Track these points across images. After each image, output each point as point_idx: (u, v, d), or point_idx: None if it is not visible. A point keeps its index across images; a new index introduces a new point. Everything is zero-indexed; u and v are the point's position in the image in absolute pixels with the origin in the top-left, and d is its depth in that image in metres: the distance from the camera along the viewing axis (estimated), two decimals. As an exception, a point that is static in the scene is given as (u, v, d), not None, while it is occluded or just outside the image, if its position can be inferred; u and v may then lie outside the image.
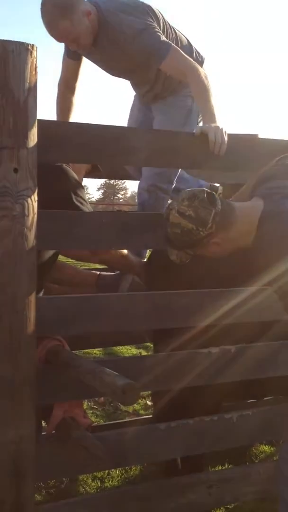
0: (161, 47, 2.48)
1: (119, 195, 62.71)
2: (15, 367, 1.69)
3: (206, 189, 1.98)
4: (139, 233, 2.06)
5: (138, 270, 2.61)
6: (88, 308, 1.96)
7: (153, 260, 2.60)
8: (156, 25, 2.56)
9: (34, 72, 1.68)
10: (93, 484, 2.71)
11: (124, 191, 63.49)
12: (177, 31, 2.78)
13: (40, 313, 1.81)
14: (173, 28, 2.75)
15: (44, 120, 1.80)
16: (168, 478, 2.29)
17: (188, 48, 2.78)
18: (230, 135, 2.18)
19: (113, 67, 2.77)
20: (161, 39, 2.51)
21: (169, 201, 2.04)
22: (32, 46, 1.68)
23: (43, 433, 2.01)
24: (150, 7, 2.63)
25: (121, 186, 60.95)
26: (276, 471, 2.17)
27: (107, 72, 2.83)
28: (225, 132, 2.15)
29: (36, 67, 1.69)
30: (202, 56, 2.85)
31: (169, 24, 2.72)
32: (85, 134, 1.91)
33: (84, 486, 2.68)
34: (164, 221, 1.97)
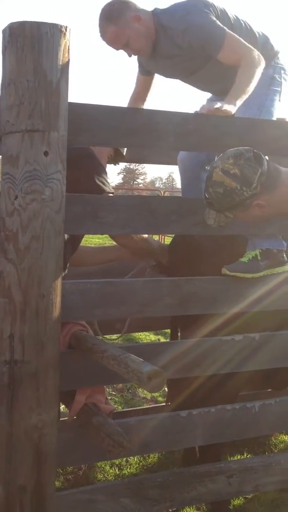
0: (216, 34, 2.46)
1: (139, 180, 62.52)
2: (39, 352, 1.68)
3: (253, 148, 1.93)
4: (166, 218, 2.02)
5: (159, 254, 2.58)
6: (112, 293, 1.95)
7: (177, 243, 2.57)
8: (211, 13, 2.51)
9: (67, 54, 1.66)
10: (111, 471, 2.72)
11: (144, 176, 63.25)
12: (247, 23, 2.69)
13: (65, 298, 1.80)
14: (243, 21, 2.67)
15: (75, 103, 1.77)
16: (188, 467, 2.28)
17: (263, 37, 2.69)
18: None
19: (176, 69, 2.77)
20: (215, 24, 2.47)
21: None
22: (66, 28, 1.65)
23: (64, 418, 2.00)
24: (207, 1, 2.57)
25: (141, 171, 60.73)
26: None
27: (172, 77, 2.85)
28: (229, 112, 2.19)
29: (69, 49, 1.67)
30: (275, 49, 2.74)
31: (237, 17, 2.66)
32: (115, 117, 1.88)
33: (103, 473, 2.69)
34: (206, 181, 1.91)
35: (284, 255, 2.23)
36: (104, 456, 2.01)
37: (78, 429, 1.95)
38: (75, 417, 1.97)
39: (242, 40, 2.49)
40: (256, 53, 2.45)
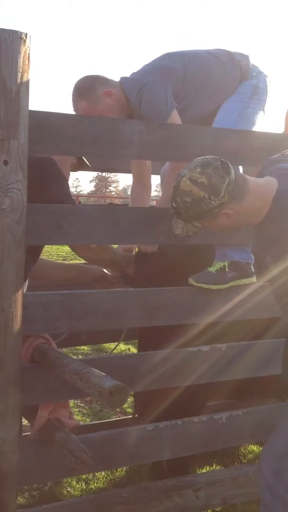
0: (160, 113, 2.41)
1: (111, 188, 62.52)
2: (-1, 367, 1.63)
3: (220, 157, 1.90)
4: (131, 228, 1.99)
5: (124, 265, 2.54)
6: (76, 305, 1.91)
7: (144, 253, 2.53)
8: (165, 81, 2.46)
9: (27, 62, 1.62)
10: (77, 486, 2.65)
11: (116, 183, 63.33)
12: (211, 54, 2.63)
13: (27, 310, 1.75)
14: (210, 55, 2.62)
15: (36, 110, 1.73)
16: (154, 481, 2.24)
17: (226, 55, 2.63)
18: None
19: None
20: (163, 102, 2.42)
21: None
22: (26, 34, 1.61)
23: (27, 433, 1.95)
24: (166, 56, 2.54)
25: (113, 178, 60.76)
26: (257, 472, 2.13)
27: None
28: None
29: (29, 56, 1.63)
30: (245, 55, 2.68)
31: (192, 55, 2.60)
32: (78, 125, 1.84)
33: (68, 489, 2.63)
34: (174, 190, 1.88)
35: (252, 267, 2.23)
36: (69, 473, 1.96)
37: (41, 445, 1.90)
38: (37, 433, 1.91)
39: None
40: None
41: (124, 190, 64.54)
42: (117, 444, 2.02)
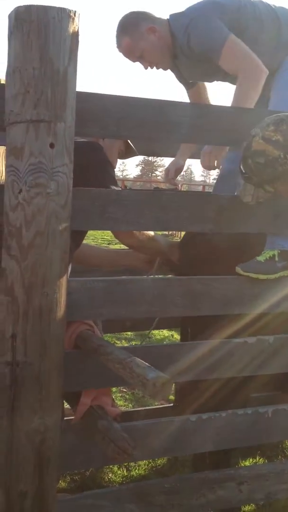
0: (214, 40, 2.34)
1: (157, 172, 62.32)
2: (42, 353, 1.61)
3: None
4: (178, 215, 1.93)
5: (169, 252, 2.49)
6: (120, 292, 1.87)
7: (189, 240, 2.47)
8: (219, 15, 2.37)
9: (75, 41, 1.57)
10: (119, 472, 2.65)
11: (162, 168, 63.04)
12: (268, 4, 2.52)
13: (71, 296, 1.73)
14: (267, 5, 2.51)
15: (83, 92, 1.69)
16: (197, 473, 2.21)
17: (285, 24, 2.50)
18: None
19: (195, 76, 2.70)
20: (216, 30, 2.34)
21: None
22: (74, 12, 1.56)
23: (68, 418, 1.93)
24: (217, 2, 2.43)
25: (159, 163, 60.53)
26: None
27: (196, 80, 2.76)
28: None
29: (77, 35, 1.58)
30: None
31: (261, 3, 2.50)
32: (126, 107, 1.79)
33: (110, 474, 2.62)
34: (244, 151, 1.78)
35: None
36: (110, 461, 1.94)
37: (83, 432, 1.88)
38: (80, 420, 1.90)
39: (245, 48, 2.34)
40: (256, 64, 2.31)
41: (170, 174, 64.19)
42: (159, 434, 1.99)
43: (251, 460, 2.86)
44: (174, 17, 2.52)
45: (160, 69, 2.62)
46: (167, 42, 2.51)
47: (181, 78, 2.76)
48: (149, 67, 2.59)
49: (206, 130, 1.94)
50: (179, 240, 2.86)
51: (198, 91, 2.82)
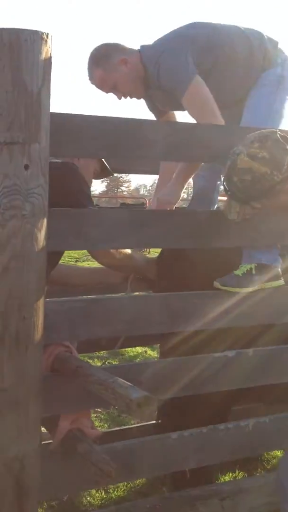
0: (180, 80, 2.34)
1: (123, 188, 62.48)
2: (20, 379, 1.58)
3: (277, 130, 1.81)
4: (156, 231, 1.93)
5: (146, 269, 2.49)
6: (98, 311, 1.86)
7: (166, 256, 2.47)
8: (186, 50, 2.37)
9: (48, 63, 1.57)
10: (97, 495, 2.60)
11: (128, 183, 63.28)
12: (239, 29, 2.53)
13: (48, 318, 1.71)
14: (235, 29, 2.52)
15: (57, 113, 1.68)
16: (178, 491, 2.19)
17: (257, 38, 2.53)
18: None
19: (168, 105, 2.70)
20: (182, 69, 2.35)
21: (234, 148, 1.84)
22: (47, 35, 1.56)
23: (46, 442, 1.89)
24: (191, 25, 2.47)
25: (125, 178, 60.71)
26: (276, 483, 2.07)
27: (169, 109, 2.77)
28: None
29: (50, 57, 1.58)
30: (275, 41, 2.59)
31: (225, 29, 2.51)
32: (100, 127, 1.79)
33: (88, 498, 2.57)
34: (228, 170, 1.78)
35: (279, 270, 2.16)
36: (91, 484, 1.91)
37: (63, 457, 1.85)
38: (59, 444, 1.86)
39: (205, 96, 2.35)
40: (212, 115, 2.31)
41: (137, 189, 64.54)
42: (140, 453, 1.97)
43: (231, 474, 2.84)
44: (145, 48, 2.52)
45: (134, 98, 2.63)
46: (139, 73, 2.51)
47: (153, 107, 2.77)
48: (122, 97, 2.59)
49: (183, 147, 1.95)
50: (150, 256, 2.87)
51: (168, 118, 2.84)
